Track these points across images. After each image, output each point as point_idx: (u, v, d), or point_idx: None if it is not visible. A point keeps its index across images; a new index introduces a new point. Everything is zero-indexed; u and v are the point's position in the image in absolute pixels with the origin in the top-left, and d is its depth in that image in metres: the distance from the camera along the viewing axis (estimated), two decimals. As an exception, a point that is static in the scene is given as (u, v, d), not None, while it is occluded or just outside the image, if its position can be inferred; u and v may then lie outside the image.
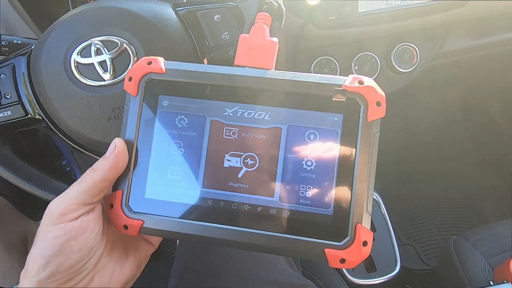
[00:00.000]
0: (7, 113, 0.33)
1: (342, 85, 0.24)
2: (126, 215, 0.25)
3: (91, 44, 0.30)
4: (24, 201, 0.72)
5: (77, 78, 0.31)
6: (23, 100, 0.33)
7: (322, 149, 0.25)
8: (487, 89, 1.04)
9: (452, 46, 0.58)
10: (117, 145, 0.26)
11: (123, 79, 0.31)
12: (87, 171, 0.25)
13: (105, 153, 0.35)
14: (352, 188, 0.24)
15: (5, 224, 0.45)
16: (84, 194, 0.24)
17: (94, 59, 0.30)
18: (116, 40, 0.31)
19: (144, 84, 0.26)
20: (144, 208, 0.26)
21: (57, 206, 0.23)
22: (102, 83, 0.31)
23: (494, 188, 1.01)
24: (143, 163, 0.26)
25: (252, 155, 0.25)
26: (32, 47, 0.34)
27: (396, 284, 0.62)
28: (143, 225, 0.25)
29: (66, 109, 0.31)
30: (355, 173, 0.24)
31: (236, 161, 0.25)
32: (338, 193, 0.24)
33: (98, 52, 0.30)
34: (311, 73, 0.26)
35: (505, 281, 0.40)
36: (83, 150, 0.35)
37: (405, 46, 0.54)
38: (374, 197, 0.66)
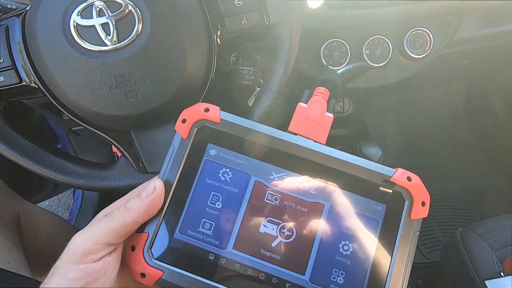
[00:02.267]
0: (-1, 79, 0.30)
1: (390, 176, 0.25)
2: (146, 262, 0.24)
3: (92, 4, 0.28)
4: (16, 179, 0.69)
5: (76, 41, 0.28)
6: (17, 65, 0.30)
7: (361, 237, 0.24)
8: (492, 85, 1.03)
9: (465, 34, 0.56)
10: (156, 188, 0.24)
11: (127, 45, 0.29)
12: (120, 208, 0.23)
13: (104, 126, 0.33)
14: (386, 283, 0.23)
15: (-3, 203, 0.43)
16: (112, 235, 0.22)
17: (96, 21, 0.28)
18: (120, 1, 0.28)
19: (196, 129, 0.26)
20: (167, 258, 0.24)
21: (80, 243, 0.21)
22: (104, 48, 0.28)
23: (495, 184, 1.01)
24: (176, 209, 0.25)
25: (290, 226, 0.24)
26: (27, 8, 0.31)
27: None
28: (162, 277, 0.23)
29: (64, 76, 0.29)
30: (391, 269, 0.23)
31: (273, 229, 0.24)
32: (370, 286, 0.23)
33: (100, 14, 0.28)
34: (357, 156, 0.26)
35: (517, 272, 0.39)
36: (81, 123, 0.33)
37: (418, 31, 0.52)
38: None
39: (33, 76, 0.31)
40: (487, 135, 1.07)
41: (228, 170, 0.25)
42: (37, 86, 0.31)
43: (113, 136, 0.34)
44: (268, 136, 0.25)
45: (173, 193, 0.25)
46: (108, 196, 0.94)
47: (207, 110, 0.26)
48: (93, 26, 0.28)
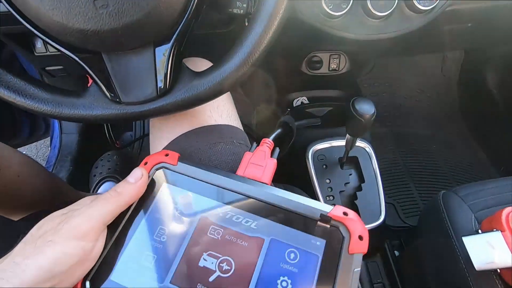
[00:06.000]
0: None
1: (327, 212, 0.25)
2: None
3: None
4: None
5: None
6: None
7: (300, 272, 0.24)
8: (489, 59, 1.01)
9: (477, -12, 0.52)
10: (143, 174, 0.27)
11: None
12: (111, 192, 0.25)
13: (70, 42, 0.29)
14: None
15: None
16: (108, 216, 0.24)
17: None
18: None
19: (155, 170, 0.29)
20: None
21: (81, 222, 0.23)
22: None
23: (476, 156, 1.03)
24: (122, 241, 0.26)
25: (229, 260, 0.25)
26: None
27: (375, 236, 0.62)
28: None
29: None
30: None
31: (212, 263, 0.25)
32: None
33: None
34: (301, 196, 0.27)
35: (494, 230, 0.39)
36: (44, 37, 0.28)
37: (429, -21, 0.48)
38: (367, 149, 0.64)
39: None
40: (475, 108, 1.08)
41: (178, 205, 0.27)
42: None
43: (82, 57, 0.30)
44: (217, 177, 0.28)
45: (124, 224, 0.26)
46: (87, 143, 0.90)
47: (167, 155, 0.30)
48: None
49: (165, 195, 0.28)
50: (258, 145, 0.34)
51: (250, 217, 0.26)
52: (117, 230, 0.26)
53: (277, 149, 0.34)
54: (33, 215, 0.44)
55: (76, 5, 0.25)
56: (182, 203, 0.27)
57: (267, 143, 0.34)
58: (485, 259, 0.38)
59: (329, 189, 0.60)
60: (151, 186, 0.28)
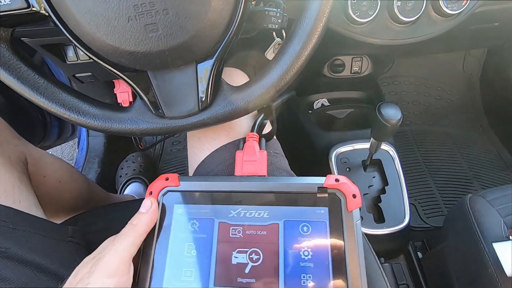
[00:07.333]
0: (5, 1, 0.27)
1: (322, 184, 0.30)
2: None
3: None
4: (21, 127, 0.68)
5: (91, -40, 0.25)
6: (23, -13, 0.27)
7: (315, 239, 0.28)
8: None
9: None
10: (152, 203, 0.29)
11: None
12: (128, 226, 0.28)
13: (120, 63, 0.30)
14: (346, 270, 0.27)
15: (4, 142, 0.42)
16: (133, 247, 0.27)
17: None
18: None
19: (162, 196, 0.31)
20: None
21: (112, 259, 0.25)
22: (122, -30, 0.25)
23: (499, 157, 1.01)
24: (160, 267, 0.28)
25: (256, 250, 0.28)
26: None
27: (399, 239, 0.63)
28: None
29: (76, 1, 0.26)
30: (347, 257, 0.27)
31: (243, 257, 0.28)
32: (335, 277, 0.27)
33: None
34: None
35: (526, 237, 0.39)
36: (95, 59, 0.30)
37: (457, -17, 0.47)
38: (390, 152, 0.64)
39: (43, 1, 0.27)
40: (498, 107, 1.05)
41: (195, 220, 0.30)
42: (47, 14, 0.28)
43: (130, 76, 0.31)
44: (220, 184, 0.31)
45: (154, 253, 0.29)
46: (114, 146, 0.94)
47: (167, 179, 0.31)
48: None
49: (179, 215, 0.30)
50: (244, 142, 0.36)
51: (261, 209, 0.30)
52: (151, 259, 0.29)
53: (263, 140, 0.37)
54: (73, 218, 0.47)
55: (129, 30, 0.27)
56: (198, 216, 0.30)
57: (253, 137, 0.36)
58: (517, 266, 0.38)
59: (353, 192, 0.61)
60: (164, 211, 0.30)
